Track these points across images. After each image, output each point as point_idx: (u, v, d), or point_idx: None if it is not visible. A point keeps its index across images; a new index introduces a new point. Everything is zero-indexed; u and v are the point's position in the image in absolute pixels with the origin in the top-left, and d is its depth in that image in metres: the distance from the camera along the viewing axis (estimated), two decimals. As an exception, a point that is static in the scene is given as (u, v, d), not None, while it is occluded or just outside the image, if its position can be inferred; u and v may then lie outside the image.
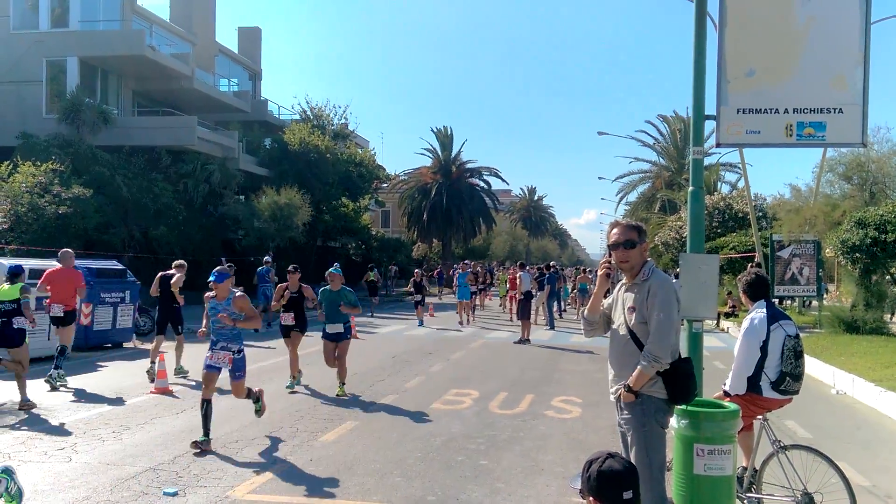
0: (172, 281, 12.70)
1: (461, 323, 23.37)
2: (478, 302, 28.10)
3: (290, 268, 11.82)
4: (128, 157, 28.13)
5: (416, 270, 26.03)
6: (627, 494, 2.88)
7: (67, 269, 12.01)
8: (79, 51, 29.52)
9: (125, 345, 16.64)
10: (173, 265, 13.14)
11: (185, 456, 7.54)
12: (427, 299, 26.27)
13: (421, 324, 23.09)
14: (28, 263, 14.69)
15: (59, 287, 11.81)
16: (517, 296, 22.65)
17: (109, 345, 16.27)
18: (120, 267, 17.59)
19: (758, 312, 5.89)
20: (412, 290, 25.12)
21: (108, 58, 30.01)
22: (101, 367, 13.62)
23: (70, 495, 6.27)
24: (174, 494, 6.32)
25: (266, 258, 23.82)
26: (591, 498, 2.90)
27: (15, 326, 9.81)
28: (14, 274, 10.17)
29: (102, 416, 9.35)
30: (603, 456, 2.98)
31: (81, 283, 12.15)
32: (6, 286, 10.01)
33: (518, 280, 20.78)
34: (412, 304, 31.22)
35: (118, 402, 10.30)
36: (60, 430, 8.57)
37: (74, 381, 11.83)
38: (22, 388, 9.75)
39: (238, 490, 6.49)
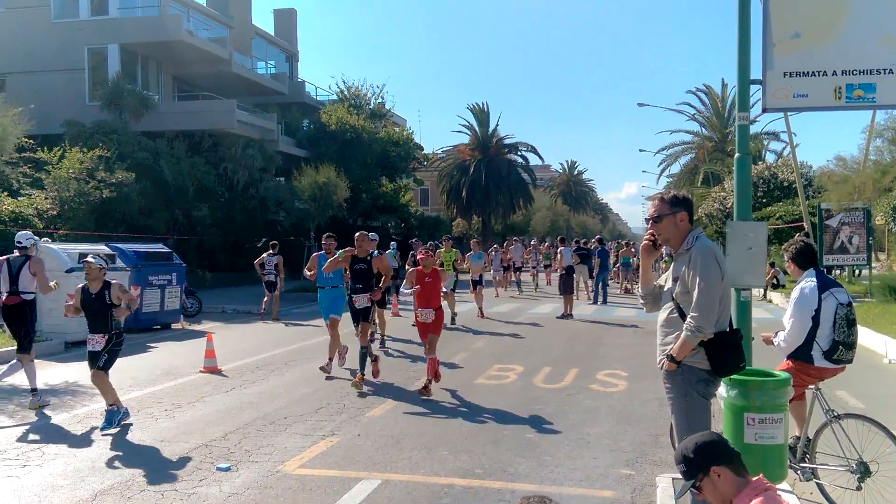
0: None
1: (324, 367, 10.84)
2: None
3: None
4: (170, 142, 28.52)
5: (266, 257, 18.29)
6: (731, 445, 2.97)
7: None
8: (119, 38, 29.89)
9: (173, 326, 16.94)
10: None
11: (236, 432, 7.68)
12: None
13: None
14: (79, 248, 15.05)
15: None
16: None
17: (158, 326, 16.59)
18: (166, 250, 17.89)
19: (808, 281, 5.76)
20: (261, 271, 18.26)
21: (148, 44, 30.34)
22: (151, 347, 13.91)
23: (127, 471, 6.43)
24: (227, 469, 6.45)
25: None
26: (713, 470, 2.88)
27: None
28: None
29: (154, 395, 9.56)
30: (683, 444, 3.02)
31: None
32: None
33: (559, 255, 20.68)
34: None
35: (169, 381, 10.52)
36: (115, 409, 8.77)
37: (126, 362, 12.11)
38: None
39: (289, 464, 6.60)
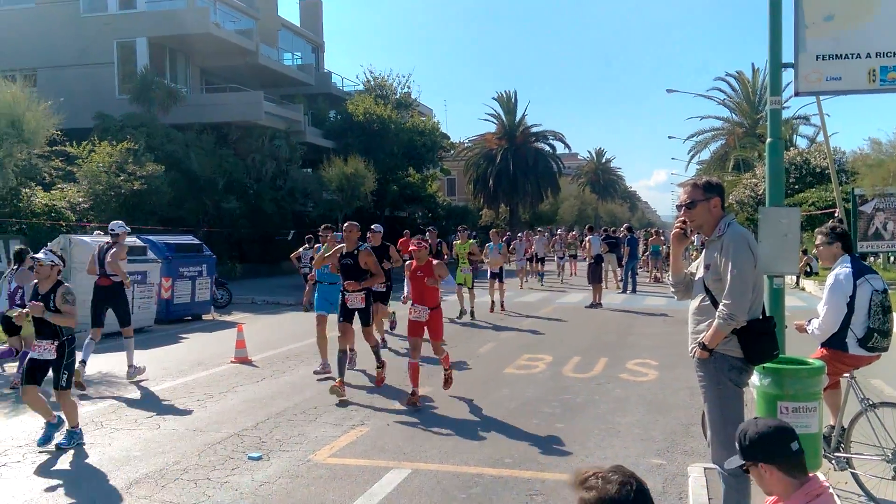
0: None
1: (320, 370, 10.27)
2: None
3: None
4: (198, 135, 28.75)
5: None
6: (794, 445, 2.78)
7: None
8: (147, 31, 30.15)
9: (204, 317, 17.11)
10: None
11: (267, 422, 7.75)
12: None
13: None
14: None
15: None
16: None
17: (189, 317, 16.76)
18: (196, 241, 18.05)
19: (842, 268, 5.67)
20: None
21: (175, 37, 30.54)
22: (183, 338, 14.06)
23: (161, 460, 6.52)
24: (258, 459, 6.51)
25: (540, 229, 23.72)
26: (760, 465, 2.79)
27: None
28: None
29: (187, 386, 9.67)
30: (752, 422, 2.88)
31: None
32: None
33: (588, 244, 20.55)
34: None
35: (200, 371, 10.63)
36: (148, 399, 8.90)
37: (158, 353, 12.27)
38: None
39: (319, 454, 6.64)
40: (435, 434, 7.27)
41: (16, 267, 10.05)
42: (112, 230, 10.40)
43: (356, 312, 9.15)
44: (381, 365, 9.45)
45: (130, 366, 10.00)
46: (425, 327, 8.71)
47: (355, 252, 9.18)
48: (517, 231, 39.08)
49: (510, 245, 24.63)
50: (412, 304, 8.84)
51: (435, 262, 8.88)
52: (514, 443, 6.94)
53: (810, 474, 2.83)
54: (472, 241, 17.09)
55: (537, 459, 6.45)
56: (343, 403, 8.46)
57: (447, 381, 8.90)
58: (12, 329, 10.02)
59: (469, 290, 16.06)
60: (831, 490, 2.83)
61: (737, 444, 2.89)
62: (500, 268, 17.57)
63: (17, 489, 5.86)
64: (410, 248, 9.03)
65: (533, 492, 5.68)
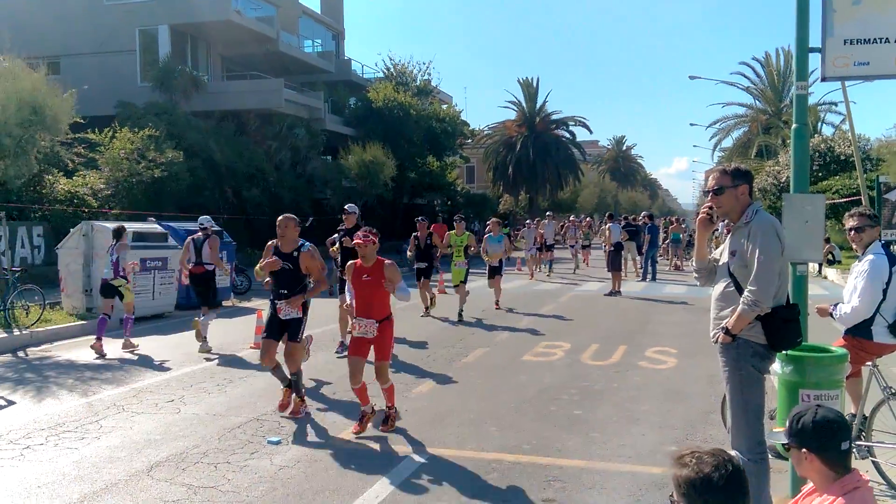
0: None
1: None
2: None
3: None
4: (219, 122, 28.85)
5: None
6: (845, 445, 2.73)
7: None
8: (169, 19, 30.29)
9: (224, 303, 17.18)
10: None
11: (285, 407, 7.77)
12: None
13: None
14: (132, 227, 15.34)
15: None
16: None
17: (210, 303, 16.82)
18: (217, 228, 18.10)
19: (878, 253, 5.64)
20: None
21: (197, 24, 30.68)
22: (203, 324, 14.13)
23: (181, 444, 6.57)
24: (278, 443, 6.55)
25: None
26: (803, 450, 2.75)
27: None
28: None
29: (207, 370, 9.74)
30: (812, 407, 2.82)
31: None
32: None
33: (608, 232, 20.44)
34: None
35: (220, 356, 10.70)
36: (168, 384, 8.97)
37: (178, 338, 12.36)
38: None
39: (338, 439, 6.67)
40: (453, 420, 7.27)
41: (114, 242, 11.40)
42: (202, 224, 11.54)
43: (288, 324, 7.61)
44: (300, 397, 7.60)
45: (204, 337, 10.92)
46: (371, 346, 6.92)
47: (294, 254, 7.49)
48: (528, 218, 38.82)
49: (518, 234, 23.90)
50: (356, 318, 6.96)
51: (387, 262, 7.02)
52: (532, 429, 6.93)
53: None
54: (468, 233, 15.46)
55: (555, 446, 6.44)
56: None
57: (390, 421, 7.03)
58: (108, 293, 11.36)
59: (459, 285, 14.50)
60: (871, 484, 2.77)
61: (787, 423, 2.85)
62: (500, 261, 15.75)
63: (40, 471, 5.93)
64: (354, 241, 7.10)
65: (551, 478, 5.68)
